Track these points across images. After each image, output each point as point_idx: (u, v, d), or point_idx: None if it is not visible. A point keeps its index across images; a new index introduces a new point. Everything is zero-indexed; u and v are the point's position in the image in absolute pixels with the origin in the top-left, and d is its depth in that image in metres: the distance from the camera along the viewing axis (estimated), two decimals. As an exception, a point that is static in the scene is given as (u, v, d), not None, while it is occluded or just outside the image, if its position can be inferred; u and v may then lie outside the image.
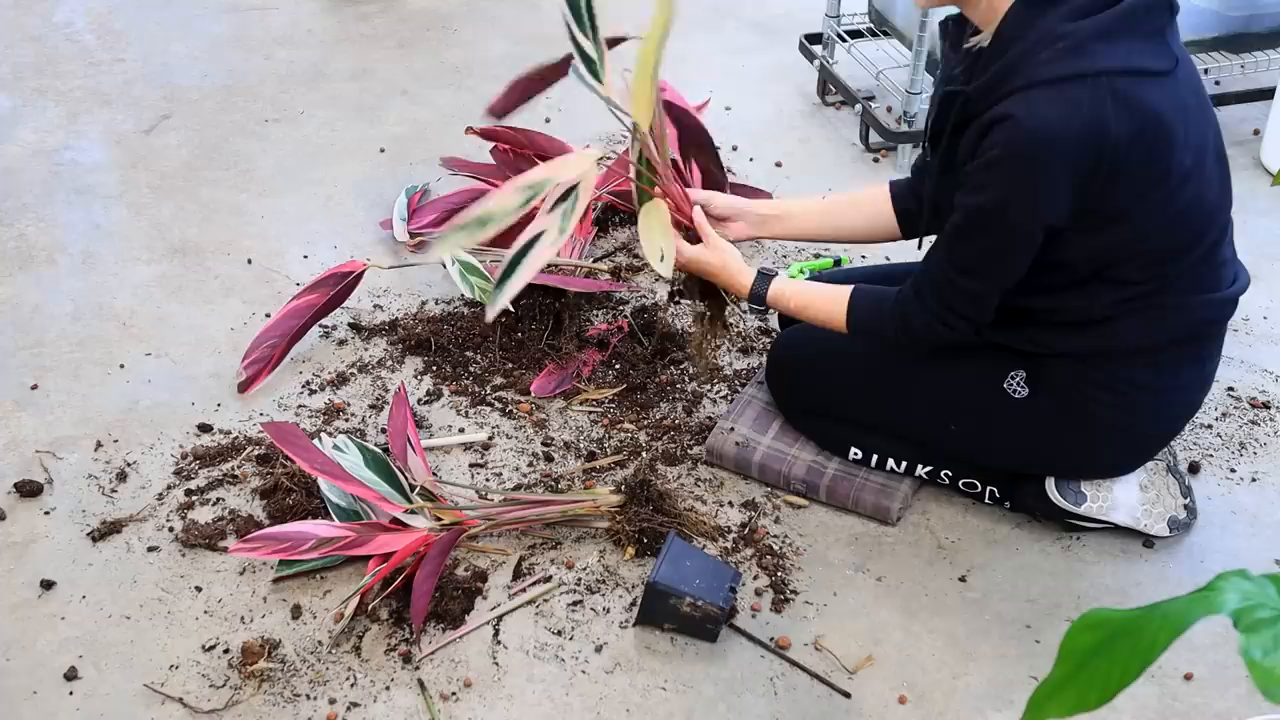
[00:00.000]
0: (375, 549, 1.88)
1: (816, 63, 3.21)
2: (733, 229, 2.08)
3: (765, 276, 1.97)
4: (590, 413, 2.24)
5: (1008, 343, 1.88)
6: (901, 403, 1.99)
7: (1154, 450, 1.96)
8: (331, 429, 2.19)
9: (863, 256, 2.64)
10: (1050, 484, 1.96)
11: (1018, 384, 1.89)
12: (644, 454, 2.15)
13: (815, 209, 2.11)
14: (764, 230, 2.11)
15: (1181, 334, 1.83)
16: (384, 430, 2.19)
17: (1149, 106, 1.63)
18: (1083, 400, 1.86)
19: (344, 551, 1.88)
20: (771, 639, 1.83)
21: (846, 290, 1.92)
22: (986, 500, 2.04)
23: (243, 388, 2.28)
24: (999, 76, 1.67)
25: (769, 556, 1.96)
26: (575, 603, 1.90)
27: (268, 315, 2.46)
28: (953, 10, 1.80)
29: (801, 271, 2.56)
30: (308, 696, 1.76)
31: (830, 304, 1.93)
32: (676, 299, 2.13)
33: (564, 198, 1.71)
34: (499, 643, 1.84)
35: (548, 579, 1.93)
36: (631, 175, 2.00)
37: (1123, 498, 1.96)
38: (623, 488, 1.99)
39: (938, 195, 1.86)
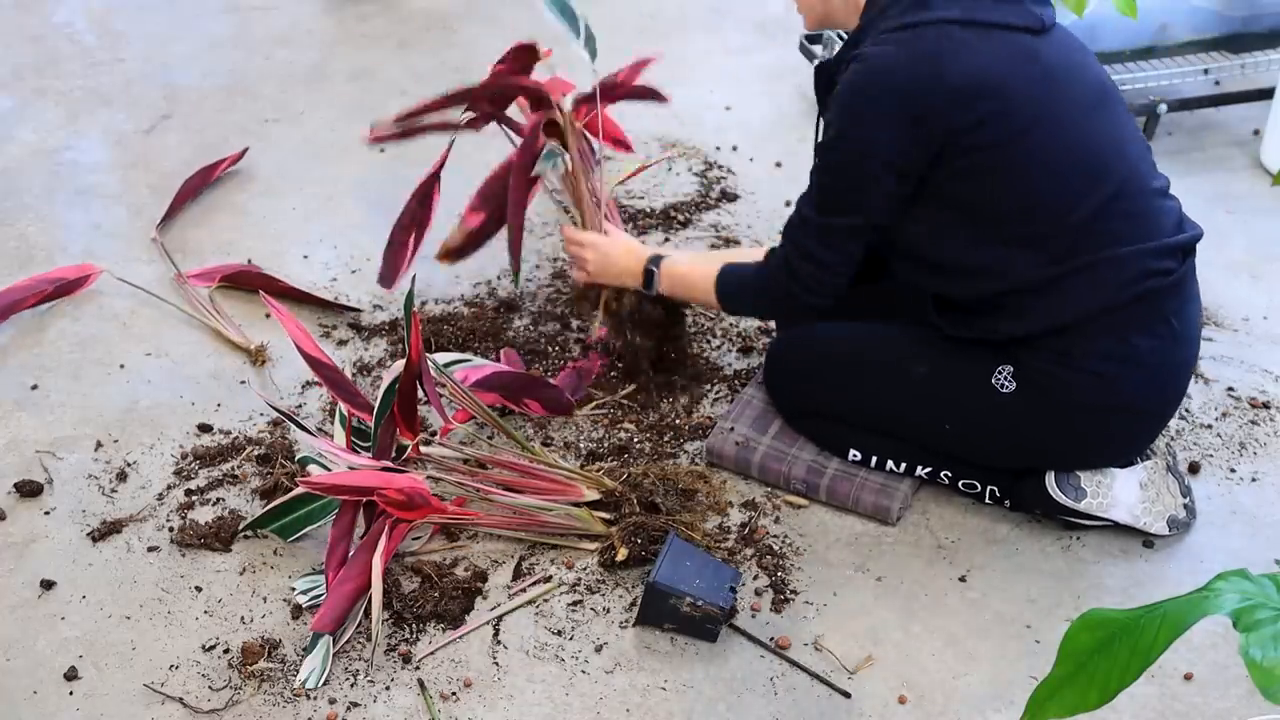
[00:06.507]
0: (363, 480, 1.86)
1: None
2: None
3: (656, 259, 2.12)
4: (590, 413, 2.24)
5: (978, 336, 1.90)
6: (895, 404, 1.99)
7: (1149, 431, 1.94)
8: (329, 430, 2.19)
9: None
10: (1050, 479, 1.96)
11: (1005, 378, 1.89)
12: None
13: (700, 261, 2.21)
14: None
15: (1128, 293, 1.82)
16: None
17: (988, 53, 1.76)
18: (1064, 388, 1.86)
19: (332, 483, 1.86)
20: (771, 639, 1.83)
21: (717, 265, 2.07)
22: (986, 500, 2.04)
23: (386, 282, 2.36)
24: (855, 40, 1.87)
25: (769, 556, 1.96)
26: (575, 603, 1.90)
27: (267, 316, 2.46)
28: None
29: None
30: (308, 696, 1.76)
31: (702, 279, 2.07)
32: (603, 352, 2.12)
33: None
34: (499, 643, 1.84)
35: (548, 579, 1.93)
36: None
37: (1122, 495, 1.96)
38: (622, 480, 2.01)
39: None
